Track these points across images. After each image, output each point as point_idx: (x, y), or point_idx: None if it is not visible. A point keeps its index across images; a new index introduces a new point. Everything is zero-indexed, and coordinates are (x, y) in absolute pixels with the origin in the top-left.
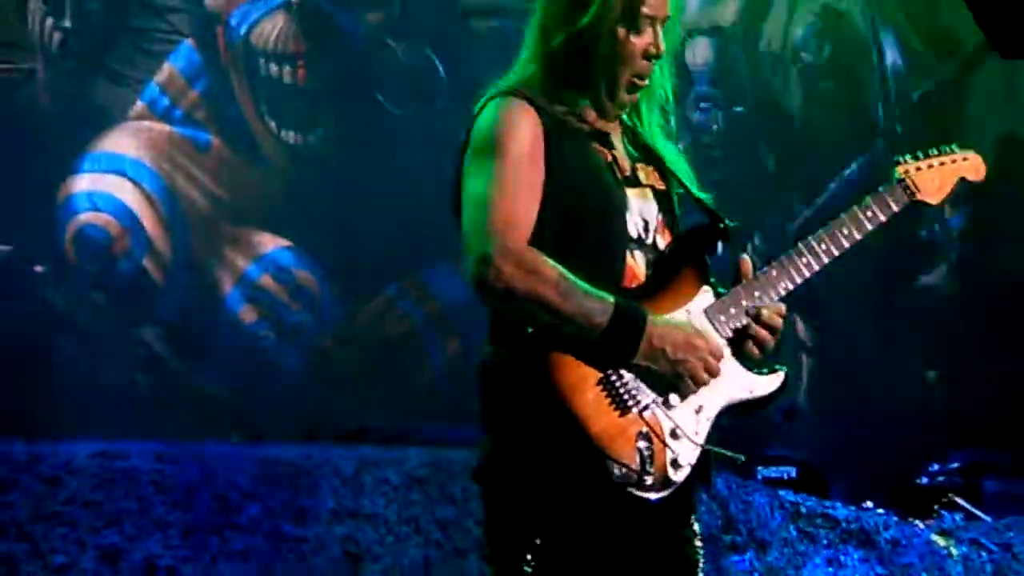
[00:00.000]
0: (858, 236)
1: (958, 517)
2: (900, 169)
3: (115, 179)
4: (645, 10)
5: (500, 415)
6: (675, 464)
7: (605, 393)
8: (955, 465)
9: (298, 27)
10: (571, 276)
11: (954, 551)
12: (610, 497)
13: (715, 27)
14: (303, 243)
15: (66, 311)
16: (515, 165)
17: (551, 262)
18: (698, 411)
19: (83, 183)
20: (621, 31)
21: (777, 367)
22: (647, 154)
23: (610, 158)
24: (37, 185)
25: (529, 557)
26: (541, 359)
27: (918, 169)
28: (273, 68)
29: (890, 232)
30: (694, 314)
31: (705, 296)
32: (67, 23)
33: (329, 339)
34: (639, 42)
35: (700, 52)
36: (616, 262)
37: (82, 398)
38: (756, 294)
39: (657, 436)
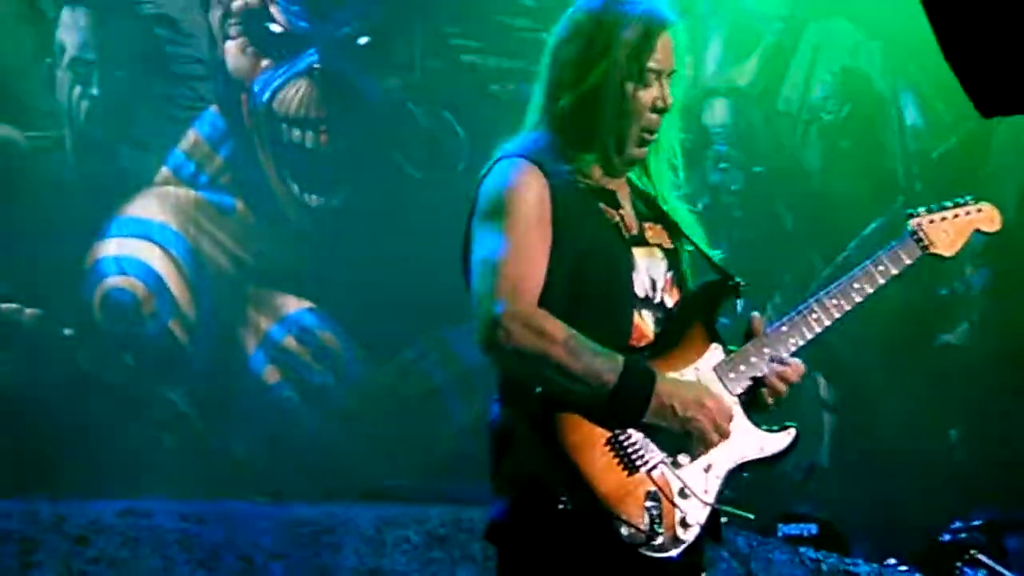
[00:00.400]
0: (870, 290)
1: (981, 574)
2: (913, 222)
3: (142, 243)
4: (652, 64)
5: (509, 475)
6: (684, 523)
7: (613, 453)
8: (977, 522)
9: (320, 93)
10: (579, 336)
11: None
12: (619, 557)
13: (733, 87)
14: (326, 304)
15: (94, 372)
16: (522, 228)
17: (559, 322)
18: (707, 469)
19: (110, 247)
20: (629, 86)
21: (787, 424)
22: (655, 212)
23: (616, 218)
24: (66, 250)
25: None
26: (549, 419)
27: (931, 222)
28: (295, 133)
29: (911, 289)
30: (703, 371)
31: (715, 353)
32: (94, 91)
33: (352, 399)
34: (646, 96)
35: (718, 112)
36: (623, 321)
37: (109, 458)
38: (766, 351)
39: (666, 496)
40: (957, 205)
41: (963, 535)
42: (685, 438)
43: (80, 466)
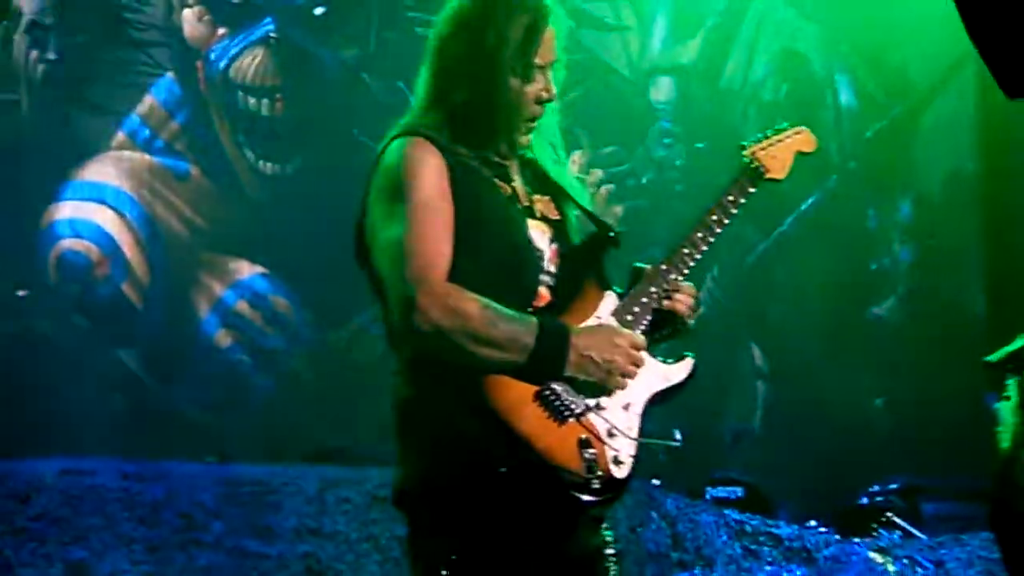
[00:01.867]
0: (726, 221)
1: (895, 535)
2: (747, 152)
3: (96, 207)
4: (538, 60)
5: (432, 445)
6: (617, 461)
7: (542, 408)
8: (894, 486)
9: (276, 62)
10: (493, 304)
11: (891, 568)
12: (556, 509)
13: (677, 65)
14: (279, 270)
15: (47, 333)
16: (426, 207)
17: (472, 295)
18: (626, 408)
19: (65, 210)
20: (516, 82)
21: (684, 354)
22: (543, 184)
23: (510, 191)
24: (20, 212)
25: (445, 573)
26: (475, 385)
27: (762, 150)
28: (251, 101)
29: (844, 263)
30: (604, 319)
31: (610, 300)
32: (51, 55)
33: (302, 363)
34: (532, 89)
35: (663, 89)
36: (531, 286)
37: (63, 418)
38: (653, 289)
39: (597, 438)
40: (778, 132)
41: (880, 499)
42: (607, 378)
43: (32, 425)
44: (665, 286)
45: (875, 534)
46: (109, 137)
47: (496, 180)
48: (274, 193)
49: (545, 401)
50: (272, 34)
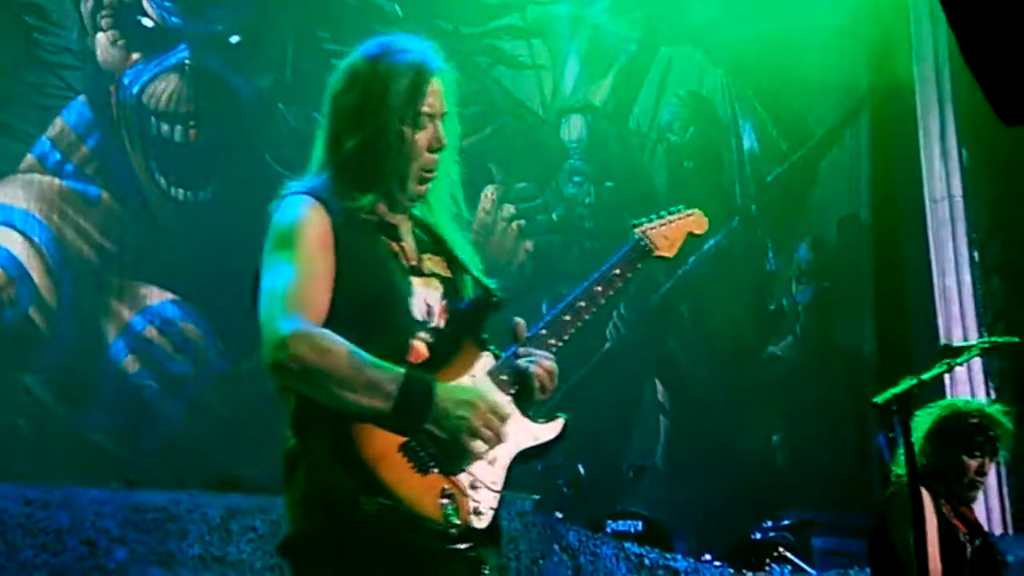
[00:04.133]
0: (610, 292)
1: (787, 570)
2: (638, 230)
3: (3, 230)
4: (424, 109)
5: (308, 492)
6: (477, 512)
7: (406, 458)
8: (786, 522)
9: (190, 88)
10: (361, 351)
11: None
12: (419, 555)
13: (589, 105)
14: (189, 297)
15: None
16: (305, 256)
17: (340, 339)
18: (492, 463)
19: None
20: (407, 130)
21: (556, 415)
22: (436, 244)
23: (396, 249)
24: None
25: None
26: (346, 435)
27: (653, 229)
28: (164, 127)
29: (744, 304)
30: (479, 377)
31: (486, 360)
32: None
33: (210, 390)
34: (422, 138)
35: (575, 128)
36: (403, 344)
37: None
38: (526, 353)
39: (459, 490)
40: (671, 213)
41: (772, 534)
42: (464, 437)
43: None
44: (543, 351)
45: (767, 568)
46: (18, 160)
47: (384, 239)
48: (185, 220)
49: (409, 452)
50: (187, 61)
